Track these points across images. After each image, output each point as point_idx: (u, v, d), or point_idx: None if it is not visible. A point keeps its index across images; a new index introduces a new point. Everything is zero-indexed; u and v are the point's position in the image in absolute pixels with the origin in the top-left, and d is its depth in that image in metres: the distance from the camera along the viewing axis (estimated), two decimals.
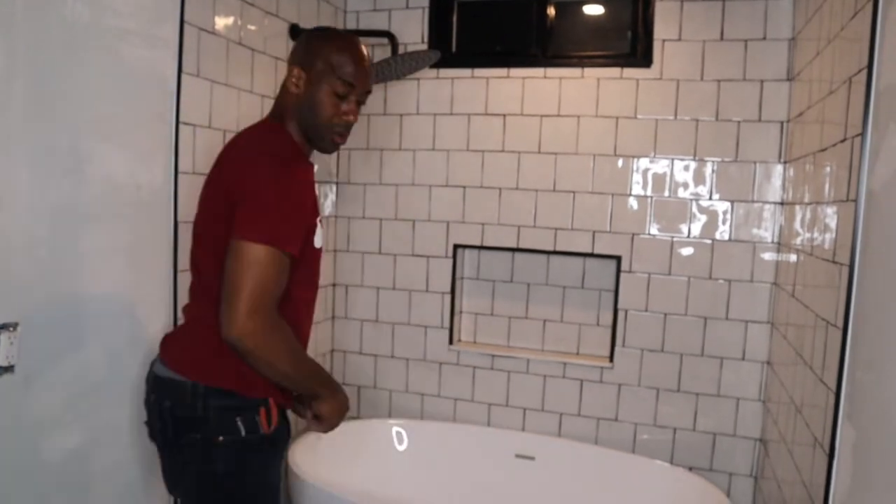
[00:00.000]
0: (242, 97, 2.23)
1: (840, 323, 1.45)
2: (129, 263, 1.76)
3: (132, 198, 1.76)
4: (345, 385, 3.02)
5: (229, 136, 2.15)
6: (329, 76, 1.56)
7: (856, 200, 1.42)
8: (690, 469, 2.57)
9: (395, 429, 2.85)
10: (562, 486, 2.63)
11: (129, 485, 1.82)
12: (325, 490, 2.24)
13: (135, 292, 1.79)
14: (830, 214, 1.65)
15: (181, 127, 1.94)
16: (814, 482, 1.58)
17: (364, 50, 1.62)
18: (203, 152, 2.05)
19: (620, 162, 2.61)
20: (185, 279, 1.99)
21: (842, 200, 1.54)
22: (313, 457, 2.57)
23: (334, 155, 2.91)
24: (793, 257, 2.15)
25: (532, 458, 2.54)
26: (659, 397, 2.64)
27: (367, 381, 3.01)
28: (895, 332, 1.14)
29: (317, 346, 2.88)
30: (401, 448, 2.82)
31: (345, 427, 2.83)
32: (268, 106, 2.35)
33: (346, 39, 1.62)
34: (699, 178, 2.54)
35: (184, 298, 1.98)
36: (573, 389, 2.75)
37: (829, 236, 1.65)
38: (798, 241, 2.08)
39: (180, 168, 1.95)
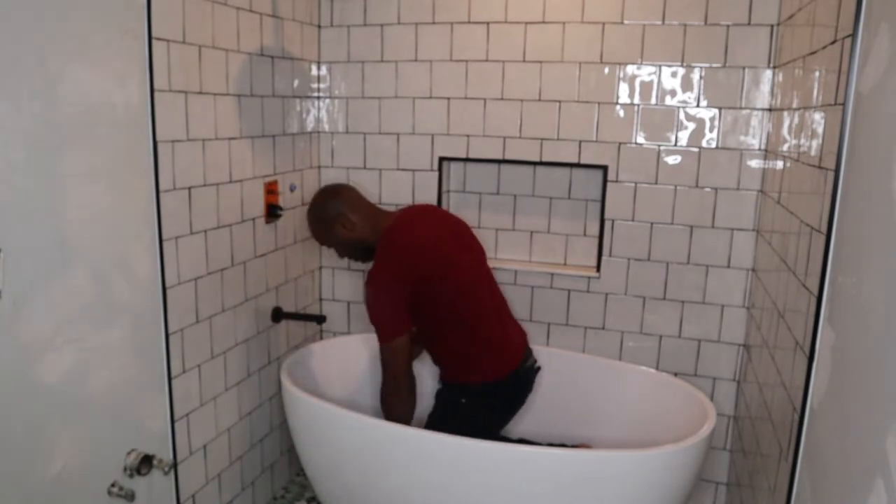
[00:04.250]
0: (217, 10, 2.15)
1: (824, 228, 1.46)
2: (110, 185, 1.74)
3: (108, 118, 1.72)
4: (334, 301, 3.06)
5: (205, 52, 2.10)
6: None
7: (843, 104, 1.40)
8: (675, 374, 2.63)
9: None
10: (552, 393, 2.69)
11: (125, 407, 1.85)
12: (317, 404, 2.29)
13: (117, 214, 1.77)
14: (818, 119, 1.63)
15: (154, 43, 1.87)
16: (793, 384, 1.62)
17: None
18: (178, 69, 1.99)
19: (607, 69, 2.56)
20: (168, 200, 1.98)
21: (829, 104, 1.53)
22: (306, 371, 2.61)
23: (313, 69, 2.85)
24: (779, 164, 2.15)
25: None
26: (645, 306, 2.68)
27: (356, 296, 3.03)
28: (877, 236, 1.15)
29: (304, 265, 2.89)
30: None
31: (336, 342, 2.89)
32: (244, 19, 2.28)
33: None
34: (686, 85, 2.50)
35: (168, 220, 1.97)
36: (561, 299, 2.79)
37: (815, 142, 1.64)
38: (785, 147, 2.07)
39: (156, 86, 1.89)
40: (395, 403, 2.24)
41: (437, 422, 2.33)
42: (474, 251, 2.42)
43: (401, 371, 2.20)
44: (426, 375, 2.61)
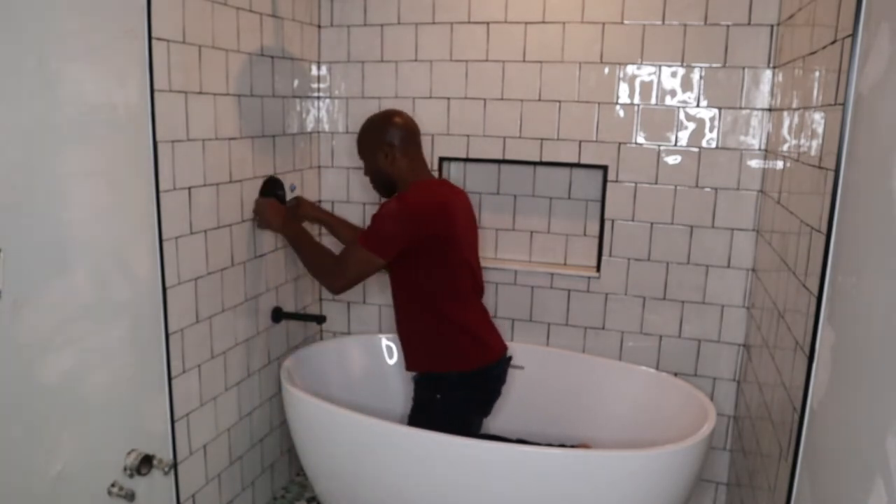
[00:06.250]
0: (217, 10, 2.15)
1: (824, 228, 1.46)
2: (109, 185, 1.74)
3: (108, 118, 1.72)
4: (334, 301, 3.05)
5: (205, 52, 2.10)
6: None
7: (843, 104, 1.40)
8: (675, 374, 2.63)
9: (385, 343, 2.90)
10: (551, 394, 2.70)
11: (125, 407, 1.84)
12: (317, 404, 2.29)
13: (117, 215, 1.77)
14: (818, 119, 1.63)
15: (154, 42, 1.87)
16: (793, 384, 1.62)
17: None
18: (178, 69, 1.99)
19: (607, 69, 2.56)
20: (168, 200, 1.97)
21: (829, 105, 1.53)
22: (306, 371, 2.61)
23: (313, 69, 2.85)
24: (779, 164, 2.14)
25: (522, 368, 2.59)
26: (645, 306, 2.68)
27: (356, 296, 3.03)
28: (877, 236, 1.15)
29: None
30: (391, 361, 2.88)
31: (337, 342, 2.89)
32: (244, 19, 2.28)
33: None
34: (686, 85, 2.50)
35: (168, 220, 1.97)
36: (561, 299, 2.79)
37: (815, 142, 1.64)
38: (785, 147, 2.07)
39: (156, 86, 1.89)
40: (323, 279, 2.28)
41: (415, 422, 2.28)
42: (475, 245, 2.41)
43: (349, 277, 2.20)
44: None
